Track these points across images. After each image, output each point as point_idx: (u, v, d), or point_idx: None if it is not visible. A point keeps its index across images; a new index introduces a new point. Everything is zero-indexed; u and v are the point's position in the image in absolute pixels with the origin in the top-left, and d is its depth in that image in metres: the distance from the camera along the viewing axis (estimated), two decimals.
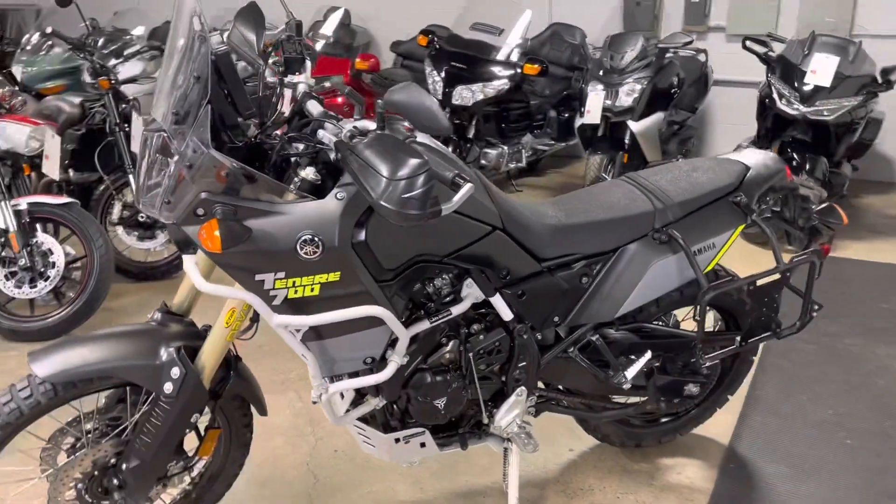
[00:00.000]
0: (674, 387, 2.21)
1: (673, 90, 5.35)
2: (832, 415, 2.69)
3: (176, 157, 1.42)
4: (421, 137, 1.72)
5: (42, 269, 3.27)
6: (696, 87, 5.69)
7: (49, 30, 5.66)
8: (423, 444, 1.96)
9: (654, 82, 5.11)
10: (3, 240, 3.19)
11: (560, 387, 2.14)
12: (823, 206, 2.17)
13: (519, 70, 5.38)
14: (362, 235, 1.55)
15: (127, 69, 6.76)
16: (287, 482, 2.39)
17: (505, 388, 1.99)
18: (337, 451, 2.54)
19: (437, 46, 5.50)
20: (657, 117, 5.18)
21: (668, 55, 5.23)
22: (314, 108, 1.66)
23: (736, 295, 2.18)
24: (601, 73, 5.14)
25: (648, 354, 2.07)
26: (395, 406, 1.89)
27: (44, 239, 3.29)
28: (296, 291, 1.55)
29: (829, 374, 2.96)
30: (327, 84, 5.70)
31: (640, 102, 5.06)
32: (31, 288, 3.25)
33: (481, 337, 1.91)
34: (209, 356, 1.69)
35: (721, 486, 2.35)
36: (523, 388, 1.99)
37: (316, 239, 1.49)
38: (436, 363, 1.87)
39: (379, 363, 1.73)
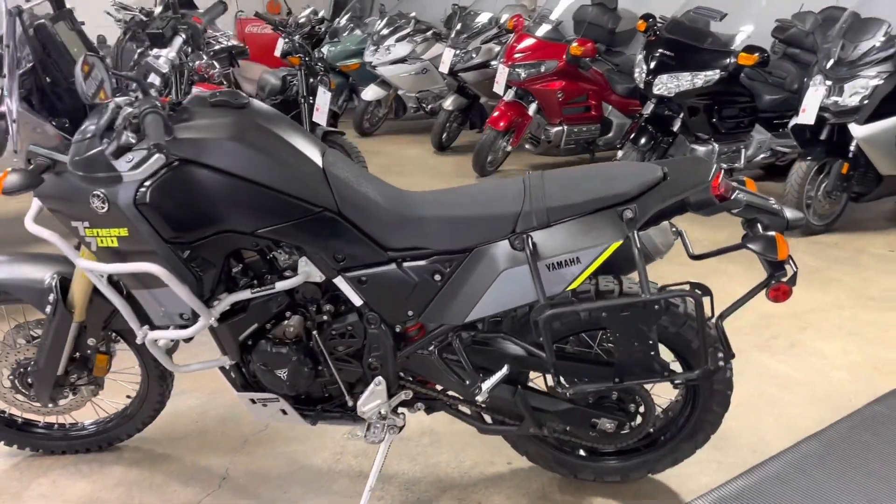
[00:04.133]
0: (577, 416, 1.98)
1: None
2: None
3: (6, 116, 1.75)
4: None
5: None
6: None
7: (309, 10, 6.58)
8: (284, 412, 2.07)
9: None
10: None
11: (437, 386, 2.06)
12: (766, 233, 1.70)
13: (733, 60, 4.79)
14: (147, 197, 1.71)
15: (397, 50, 7.51)
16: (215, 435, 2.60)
17: (364, 376, 2.00)
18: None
19: (656, 32, 5.14)
20: (893, 122, 4.23)
21: None
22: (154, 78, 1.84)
23: (677, 327, 1.87)
24: (829, 64, 4.34)
25: (504, 370, 1.89)
26: (242, 368, 2.02)
27: None
28: (101, 241, 1.78)
29: None
30: (542, 69, 5.70)
31: (869, 102, 4.18)
32: None
33: (330, 318, 1.95)
34: (76, 287, 2.01)
35: None
36: (381, 377, 1.98)
37: (101, 194, 1.70)
38: (279, 335, 1.96)
39: (192, 319, 1.89)
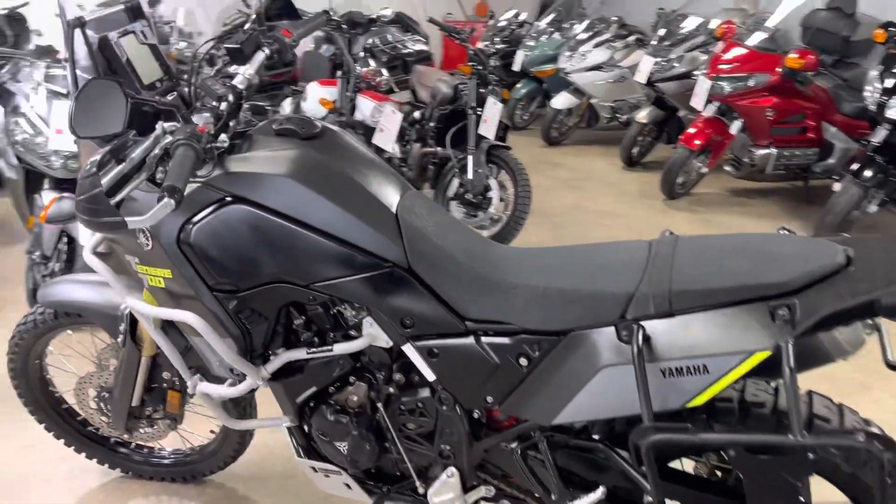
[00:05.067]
0: None
1: None
2: None
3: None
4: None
5: None
6: None
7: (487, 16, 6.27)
8: (347, 486, 1.80)
9: None
10: None
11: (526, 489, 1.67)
12: None
13: None
14: (191, 237, 1.50)
15: (593, 56, 7.06)
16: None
17: (436, 463, 1.68)
18: None
19: None
20: None
21: None
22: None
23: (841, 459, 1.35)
24: None
25: (599, 492, 1.46)
26: (302, 433, 1.77)
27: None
28: (151, 280, 1.60)
29: None
30: (751, 83, 4.98)
31: None
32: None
33: (398, 390, 1.64)
34: (143, 324, 1.86)
35: None
36: (454, 468, 1.64)
37: (146, 230, 1.52)
38: (341, 401, 1.69)
39: (242, 376, 1.66)
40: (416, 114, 4.75)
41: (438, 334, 1.52)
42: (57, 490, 2.27)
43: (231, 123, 1.56)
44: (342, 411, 1.68)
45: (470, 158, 4.23)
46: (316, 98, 4.13)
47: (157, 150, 1.37)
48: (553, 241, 4.64)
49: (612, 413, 1.39)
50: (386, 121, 3.98)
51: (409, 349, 1.55)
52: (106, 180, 1.36)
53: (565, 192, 5.76)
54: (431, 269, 1.50)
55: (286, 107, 4.46)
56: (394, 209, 1.53)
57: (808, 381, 1.30)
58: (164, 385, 1.99)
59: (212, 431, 2.22)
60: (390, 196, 1.55)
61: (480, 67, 4.39)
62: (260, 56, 1.65)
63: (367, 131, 4.06)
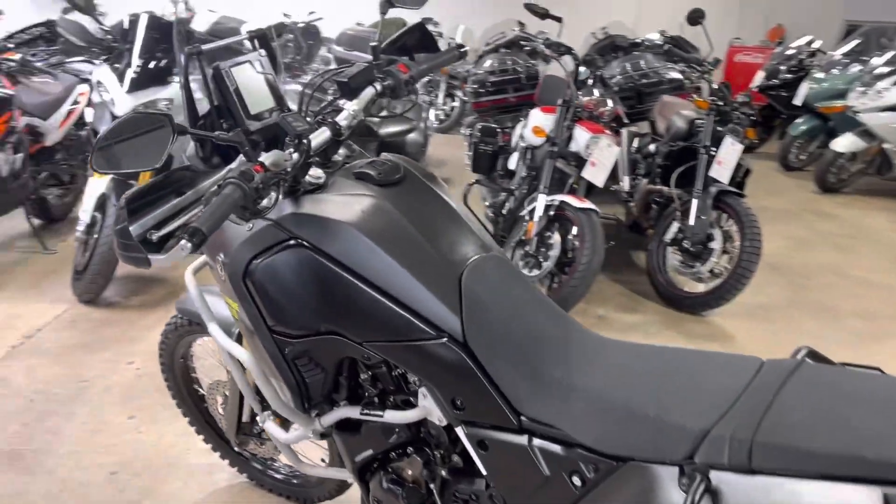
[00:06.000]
0: None
1: None
2: None
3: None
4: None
5: (539, 257, 3.65)
6: None
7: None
8: None
9: None
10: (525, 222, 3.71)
11: None
12: None
13: None
14: (255, 274, 1.43)
15: (892, 95, 6.08)
16: None
17: None
18: None
19: None
20: None
21: None
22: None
23: None
24: None
25: None
26: (366, 491, 1.64)
27: (553, 233, 3.64)
28: (230, 309, 1.57)
29: None
30: None
31: None
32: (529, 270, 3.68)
33: (452, 474, 1.45)
34: None
35: None
36: None
37: (222, 260, 1.48)
38: (397, 471, 1.53)
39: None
40: (651, 147, 4.40)
41: (492, 425, 1.31)
42: (193, 482, 2.41)
43: (335, 158, 1.49)
44: (397, 482, 1.53)
45: (694, 202, 3.81)
46: (533, 124, 3.99)
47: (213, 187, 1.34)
48: (786, 304, 4.01)
49: None
50: (599, 154, 3.71)
51: (461, 433, 1.35)
52: (159, 212, 1.35)
53: (825, 248, 4.96)
54: (488, 350, 1.29)
55: (518, 130, 4.39)
56: (459, 272, 1.34)
57: None
58: None
59: (322, 460, 2.19)
60: (460, 257, 1.37)
61: (721, 103, 3.92)
62: (370, 92, 1.56)
63: (580, 163, 3.83)
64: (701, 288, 3.84)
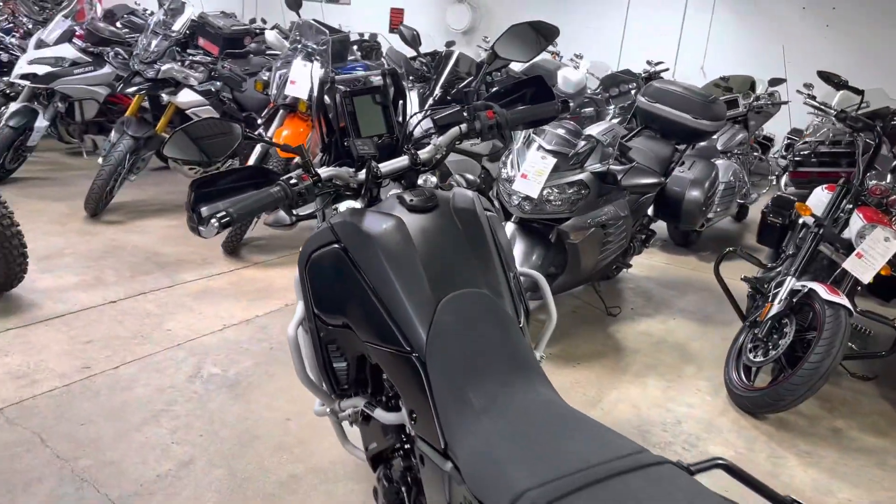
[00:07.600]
0: None
1: None
2: None
3: None
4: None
5: (769, 343, 3.30)
6: None
7: None
8: None
9: None
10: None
11: None
12: None
13: None
14: (309, 265, 1.65)
15: None
16: None
17: None
18: None
19: None
20: None
21: None
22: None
23: None
24: None
25: None
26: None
27: (791, 323, 3.25)
28: None
29: None
30: None
31: None
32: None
33: (414, 484, 1.56)
34: None
35: None
36: None
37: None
38: (390, 469, 1.68)
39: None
40: None
41: (430, 444, 1.40)
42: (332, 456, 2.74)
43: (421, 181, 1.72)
44: (387, 480, 1.68)
45: None
46: (811, 202, 3.60)
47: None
48: None
49: None
50: (870, 247, 3.21)
51: (414, 445, 1.46)
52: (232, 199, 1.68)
53: None
54: (440, 372, 1.39)
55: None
56: (439, 298, 1.45)
57: None
58: None
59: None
60: (446, 285, 1.47)
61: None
62: (455, 131, 1.74)
63: (849, 252, 3.35)
64: None
